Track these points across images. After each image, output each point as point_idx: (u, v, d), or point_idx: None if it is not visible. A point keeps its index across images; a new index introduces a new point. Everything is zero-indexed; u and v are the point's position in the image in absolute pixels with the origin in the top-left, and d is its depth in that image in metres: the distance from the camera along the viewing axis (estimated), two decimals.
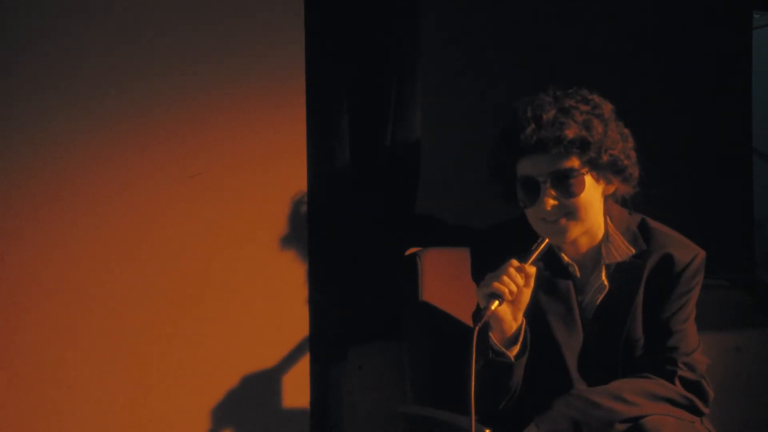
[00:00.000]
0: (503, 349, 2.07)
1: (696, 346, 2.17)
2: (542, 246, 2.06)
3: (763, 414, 3.01)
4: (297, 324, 2.74)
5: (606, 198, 2.15)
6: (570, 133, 2.01)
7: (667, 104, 3.76)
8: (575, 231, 2.09)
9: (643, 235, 2.16)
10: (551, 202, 2.04)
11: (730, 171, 3.92)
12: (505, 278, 1.99)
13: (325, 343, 2.82)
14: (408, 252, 2.72)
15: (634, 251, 2.14)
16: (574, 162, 2.04)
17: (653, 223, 2.20)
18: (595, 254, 2.16)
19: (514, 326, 2.06)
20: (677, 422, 2.08)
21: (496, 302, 1.98)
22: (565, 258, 2.17)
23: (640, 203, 2.20)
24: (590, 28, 3.67)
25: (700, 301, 2.21)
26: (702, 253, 2.16)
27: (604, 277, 2.15)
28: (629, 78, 3.65)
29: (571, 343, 2.16)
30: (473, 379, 1.92)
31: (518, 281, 2.00)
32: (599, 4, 3.67)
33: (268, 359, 2.70)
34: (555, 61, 3.52)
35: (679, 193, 3.67)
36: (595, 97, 2.11)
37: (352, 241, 2.84)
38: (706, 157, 3.85)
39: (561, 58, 3.55)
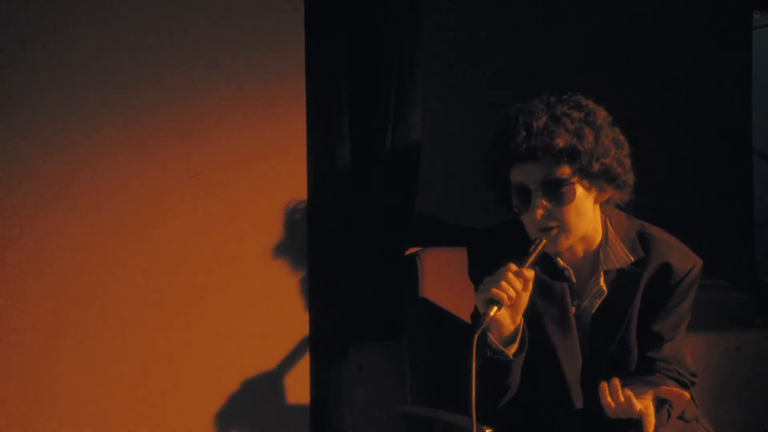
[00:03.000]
0: (501, 348, 2.07)
1: (685, 352, 2.18)
2: (539, 248, 2.04)
3: (763, 414, 3.01)
4: (297, 324, 2.74)
5: (603, 204, 2.13)
6: (560, 142, 2.00)
7: (667, 104, 3.76)
8: (565, 242, 2.07)
9: (641, 242, 2.14)
10: (541, 211, 2.03)
11: (730, 171, 3.92)
12: (504, 284, 1.97)
13: (325, 343, 2.82)
14: (408, 252, 2.72)
15: (632, 259, 2.12)
16: (565, 170, 2.03)
17: (652, 229, 2.18)
18: (593, 259, 2.15)
19: (512, 327, 2.06)
20: (676, 422, 2.09)
21: (495, 308, 1.97)
22: (561, 262, 2.16)
23: (640, 206, 2.18)
24: (590, 29, 3.67)
25: (700, 301, 2.22)
26: (700, 262, 2.15)
27: (602, 282, 2.14)
28: (629, 78, 3.65)
29: (566, 346, 2.15)
30: (474, 387, 1.91)
31: (516, 286, 1.98)
32: (598, 4, 3.67)
33: (268, 359, 2.70)
34: (555, 61, 3.52)
35: (679, 193, 3.68)
36: (590, 103, 2.09)
37: (352, 241, 2.84)
38: (706, 157, 3.85)
39: (561, 58, 3.55)
